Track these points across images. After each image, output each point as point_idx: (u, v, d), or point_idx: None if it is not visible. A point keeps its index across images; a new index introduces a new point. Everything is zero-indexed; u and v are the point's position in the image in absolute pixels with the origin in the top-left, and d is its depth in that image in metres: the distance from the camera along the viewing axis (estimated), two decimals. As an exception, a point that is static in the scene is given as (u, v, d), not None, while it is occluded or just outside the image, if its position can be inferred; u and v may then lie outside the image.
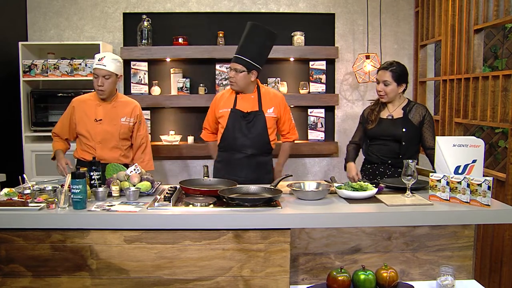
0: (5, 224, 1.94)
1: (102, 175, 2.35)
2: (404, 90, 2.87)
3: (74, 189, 1.99)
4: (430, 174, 2.19)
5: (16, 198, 2.06)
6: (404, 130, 2.78)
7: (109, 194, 2.22)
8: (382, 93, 2.83)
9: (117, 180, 2.26)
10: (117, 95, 3.01)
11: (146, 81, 4.07)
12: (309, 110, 4.18)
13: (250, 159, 2.91)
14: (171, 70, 4.10)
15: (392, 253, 2.16)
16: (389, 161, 2.83)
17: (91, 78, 3.67)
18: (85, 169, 2.25)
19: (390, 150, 2.83)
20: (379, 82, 2.83)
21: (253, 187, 2.32)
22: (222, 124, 2.95)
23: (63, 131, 2.98)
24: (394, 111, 2.87)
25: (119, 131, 2.95)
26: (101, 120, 2.92)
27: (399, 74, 2.80)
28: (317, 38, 4.17)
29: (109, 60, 2.85)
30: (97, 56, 2.89)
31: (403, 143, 2.78)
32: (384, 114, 2.89)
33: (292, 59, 4.16)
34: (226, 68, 4.12)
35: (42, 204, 2.01)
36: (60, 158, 2.89)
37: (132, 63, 4.03)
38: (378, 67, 3.92)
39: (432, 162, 2.78)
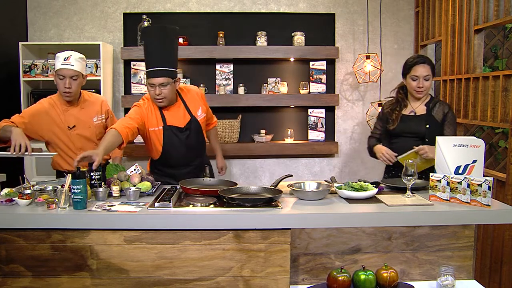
0: (6, 224, 1.94)
1: (102, 175, 2.35)
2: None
3: (74, 189, 1.99)
4: (431, 174, 2.19)
5: (16, 198, 2.06)
6: (428, 126, 2.66)
7: (110, 194, 2.22)
8: (423, 89, 2.67)
9: (118, 180, 2.26)
10: (83, 95, 2.83)
11: (146, 81, 4.06)
12: (309, 110, 4.18)
13: (195, 169, 2.79)
14: (171, 70, 4.10)
15: (392, 253, 2.16)
16: None
17: (91, 78, 3.70)
18: (85, 169, 2.25)
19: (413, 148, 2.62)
20: (417, 78, 2.66)
21: (253, 187, 2.32)
22: (154, 141, 2.67)
23: (18, 121, 2.60)
24: (418, 107, 2.74)
25: (96, 133, 2.82)
26: (74, 126, 2.75)
27: (434, 66, 2.70)
28: (317, 38, 4.18)
29: (75, 59, 2.65)
30: (61, 55, 2.66)
31: (427, 140, 2.64)
32: (407, 111, 2.76)
33: (292, 59, 4.16)
34: (226, 68, 4.13)
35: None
36: (18, 133, 2.38)
37: (132, 63, 4.03)
38: (378, 67, 3.93)
39: None
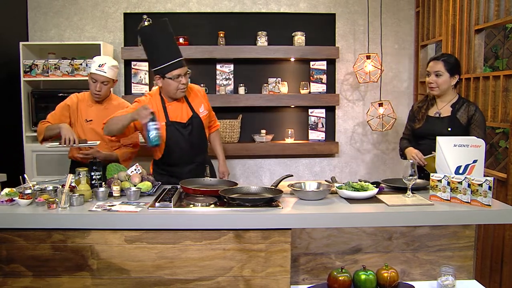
0: (6, 224, 1.95)
1: (103, 175, 2.36)
2: (457, 83, 2.70)
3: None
4: (431, 174, 2.19)
5: (17, 198, 2.06)
6: (449, 129, 2.62)
7: (110, 194, 2.22)
8: (434, 85, 2.66)
9: (118, 180, 2.26)
10: (111, 97, 3.03)
11: (147, 81, 4.07)
12: (310, 110, 4.18)
13: (198, 167, 2.79)
14: (172, 70, 4.10)
15: (392, 253, 2.16)
16: None
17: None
18: (86, 169, 2.26)
19: None
20: (430, 73, 2.67)
21: (253, 187, 2.32)
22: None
23: (55, 119, 2.92)
24: (443, 108, 2.70)
25: None
26: (91, 120, 2.94)
27: (452, 64, 2.65)
28: (317, 38, 4.18)
29: (108, 67, 2.87)
30: (97, 60, 2.89)
31: None
32: (432, 112, 2.73)
33: (292, 59, 4.16)
34: (226, 68, 4.13)
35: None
36: (67, 128, 2.74)
37: (132, 63, 4.03)
38: (378, 67, 3.93)
39: None
